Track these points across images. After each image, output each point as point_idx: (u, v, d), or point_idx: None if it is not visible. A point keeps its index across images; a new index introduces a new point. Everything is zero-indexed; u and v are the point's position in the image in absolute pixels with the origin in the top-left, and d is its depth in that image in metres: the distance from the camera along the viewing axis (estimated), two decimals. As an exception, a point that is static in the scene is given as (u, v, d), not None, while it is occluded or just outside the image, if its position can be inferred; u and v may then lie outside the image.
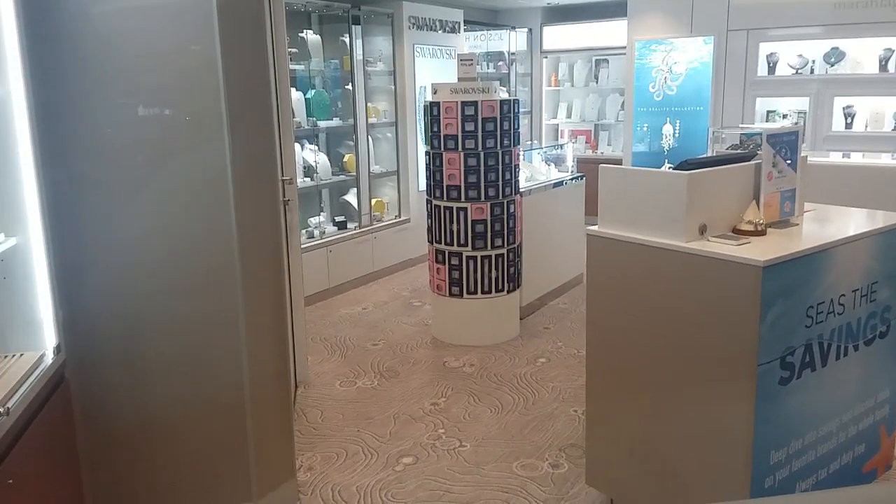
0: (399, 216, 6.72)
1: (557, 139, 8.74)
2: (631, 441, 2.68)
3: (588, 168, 5.82)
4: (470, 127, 4.41)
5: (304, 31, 5.86)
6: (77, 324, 2.52)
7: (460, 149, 4.43)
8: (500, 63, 8.30)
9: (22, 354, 2.32)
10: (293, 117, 5.42)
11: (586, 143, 8.56)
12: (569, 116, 8.78)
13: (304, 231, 5.69)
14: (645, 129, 7.10)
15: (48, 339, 2.41)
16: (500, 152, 4.47)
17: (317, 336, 4.89)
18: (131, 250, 2.56)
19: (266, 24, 2.75)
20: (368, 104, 6.34)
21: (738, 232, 2.50)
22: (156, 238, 2.56)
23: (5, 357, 2.29)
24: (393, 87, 6.60)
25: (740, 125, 5.54)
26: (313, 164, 5.82)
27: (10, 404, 1.99)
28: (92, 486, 2.64)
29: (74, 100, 2.43)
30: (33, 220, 2.33)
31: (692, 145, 6.74)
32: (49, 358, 2.36)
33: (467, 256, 4.54)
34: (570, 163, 6.12)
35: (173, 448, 2.68)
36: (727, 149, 3.69)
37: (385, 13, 6.45)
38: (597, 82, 8.54)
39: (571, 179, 5.77)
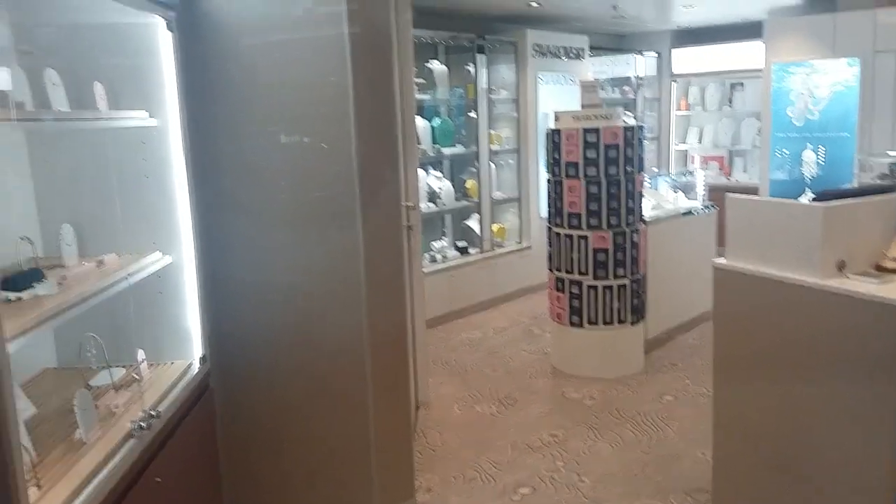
0: (520, 242, 6.74)
1: (687, 165, 8.43)
2: (761, 489, 2.52)
3: (721, 196, 5.58)
4: (591, 154, 4.37)
5: (431, 61, 6.07)
6: (220, 335, 2.73)
7: (581, 176, 4.40)
8: (627, 88, 8.17)
9: (173, 363, 2.56)
10: (418, 144, 5.61)
11: (719, 169, 8.20)
12: (700, 142, 8.46)
13: (426, 255, 5.84)
14: (784, 155, 6.70)
15: (196, 349, 2.64)
16: (622, 180, 4.39)
17: (437, 359, 4.98)
18: (268, 268, 2.75)
19: (394, 56, 2.88)
20: (491, 131, 6.44)
21: (880, 269, 2.31)
22: (290, 257, 2.74)
23: (160, 365, 2.53)
24: (516, 114, 6.68)
25: (889, 153, 5.09)
26: (437, 189, 5.97)
27: (160, 408, 2.19)
28: (230, 487, 2.83)
29: (222, 126, 2.65)
30: (186, 239, 2.58)
31: (837, 173, 6.28)
32: (196, 367, 2.58)
33: (588, 286, 4.47)
34: (700, 190, 5.89)
35: (303, 458, 2.82)
36: (875, 178, 3.43)
37: (510, 42, 6.56)
38: (731, 106, 8.19)
39: (702, 208, 5.55)
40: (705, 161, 8.32)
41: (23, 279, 1.80)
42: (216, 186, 2.68)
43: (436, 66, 6.07)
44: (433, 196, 5.97)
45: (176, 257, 2.56)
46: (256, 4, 2.58)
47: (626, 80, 8.20)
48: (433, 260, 5.91)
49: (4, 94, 1.76)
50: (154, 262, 2.43)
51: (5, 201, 2.29)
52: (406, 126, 4.00)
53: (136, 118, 2.35)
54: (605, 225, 4.40)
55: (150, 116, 2.42)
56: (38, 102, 1.98)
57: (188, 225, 2.56)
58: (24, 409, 1.97)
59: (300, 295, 2.76)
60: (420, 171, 5.75)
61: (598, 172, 4.37)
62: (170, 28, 2.42)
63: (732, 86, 8.16)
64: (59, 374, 2.39)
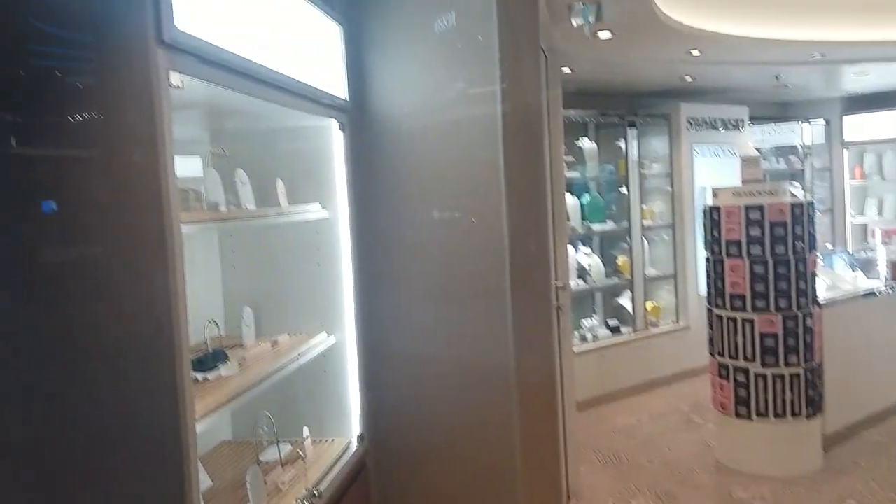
0: (677, 322, 6.42)
1: (867, 240, 7.70)
2: None
3: (907, 274, 5.01)
4: (755, 232, 4.12)
5: (581, 139, 6.11)
6: (377, 414, 2.82)
7: (745, 255, 4.15)
8: (793, 157, 7.70)
9: (333, 440, 2.67)
10: (568, 221, 5.60)
11: (903, 243, 7.41)
12: (880, 213, 7.73)
13: (575, 334, 5.72)
14: (985, 227, 5.94)
15: (354, 427, 2.73)
16: (792, 259, 4.08)
17: (588, 445, 4.79)
18: (422, 346, 2.82)
19: (544, 134, 2.93)
20: (643, 206, 6.30)
21: None
22: (443, 335, 2.79)
23: (322, 442, 2.65)
24: (670, 188, 6.49)
25: None
26: (586, 266, 5.89)
27: (321, 487, 2.28)
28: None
29: (383, 208, 2.79)
30: (349, 319, 2.72)
31: None
32: (354, 445, 2.67)
33: (756, 374, 4.14)
34: (883, 268, 5.33)
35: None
36: None
37: (662, 115, 6.46)
38: (914, 174, 7.45)
39: (886, 288, 5.01)
40: (888, 235, 7.55)
41: (209, 360, 1.97)
42: (376, 266, 2.82)
43: (585, 143, 6.09)
44: (583, 273, 5.88)
45: (339, 337, 2.71)
46: (415, 92, 2.74)
47: (792, 150, 7.73)
48: (583, 339, 5.77)
49: (198, 193, 2.00)
50: (321, 342, 2.58)
51: (199, 287, 2.56)
52: (556, 203, 4.02)
53: (311, 211, 2.56)
54: (773, 308, 4.09)
55: (322, 208, 2.63)
56: (230, 199, 2.22)
57: (351, 306, 2.71)
58: (203, 481, 2.13)
59: (452, 371, 2.79)
60: (569, 248, 5.73)
61: (764, 251, 4.10)
62: (341, 128, 2.64)
63: (916, 152, 7.45)
64: (234, 447, 2.57)
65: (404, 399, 2.84)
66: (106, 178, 1.51)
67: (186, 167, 2.35)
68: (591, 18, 3.69)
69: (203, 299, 2.55)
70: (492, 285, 2.71)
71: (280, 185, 2.45)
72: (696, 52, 5.06)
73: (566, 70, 5.18)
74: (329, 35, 2.56)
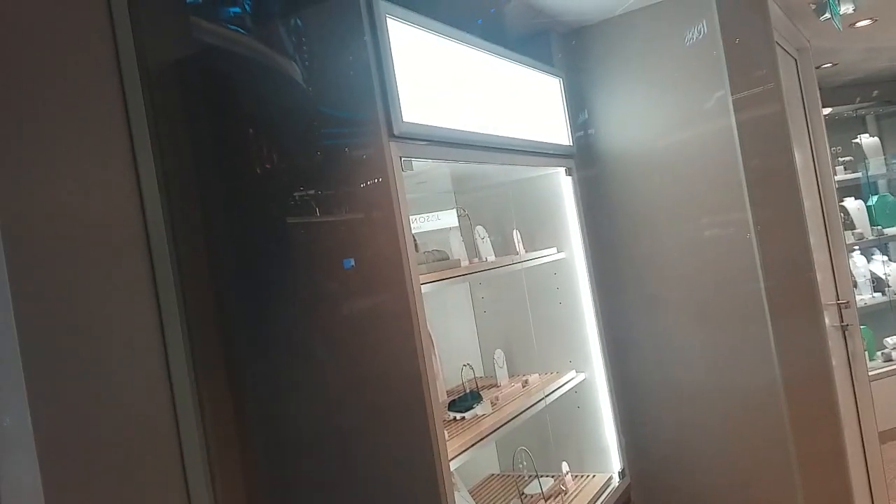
0: None
1: None
2: None
3: None
4: None
5: (858, 135, 5.42)
6: (638, 450, 2.82)
7: None
8: None
9: (594, 476, 2.73)
10: (853, 229, 4.98)
11: None
12: None
13: (879, 353, 5.00)
14: None
15: (615, 462, 2.77)
16: None
17: (905, 481, 4.13)
18: (680, 379, 2.78)
19: (789, 139, 2.74)
20: (954, 199, 5.33)
21: None
22: (703, 361, 2.72)
23: (582, 476, 2.73)
24: None
25: None
26: (883, 276, 5.13)
27: (583, 520, 2.36)
28: None
29: (618, 239, 2.87)
30: (596, 355, 2.79)
31: None
32: (615, 481, 2.71)
33: None
34: None
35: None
36: None
37: (966, 90, 5.45)
38: None
39: None
40: None
41: (464, 401, 2.21)
42: (617, 299, 2.87)
43: (864, 139, 5.39)
44: (879, 284, 5.14)
45: (589, 374, 2.79)
46: (641, 124, 2.82)
47: None
48: (888, 359, 5.00)
49: (446, 254, 2.27)
50: (570, 379, 2.69)
51: (455, 332, 2.85)
52: (828, 211, 3.65)
53: (547, 255, 2.72)
54: None
55: (559, 251, 2.77)
56: (471, 253, 2.48)
57: (597, 341, 2.78)
58: (473, 510, 2.35)
59: (712, 408, 2.71)
60: (860, 258, 5.08)
61: None
62: (568, 173, 2.77)
63: None
64: (501, 479, 2.77)
65: (665, 434, 2.82)
66: (368, 245, 1.82)
67: (444, 221, 2.70)
68: (840, 10, 3.36)
69: (459, 345, 2.83)
70: (748, 305, 2.60)
71: (516, 235, 2.66)
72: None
73: (827, 65, 4.69)
74: (549, 88, 2.73)
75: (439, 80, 2.02)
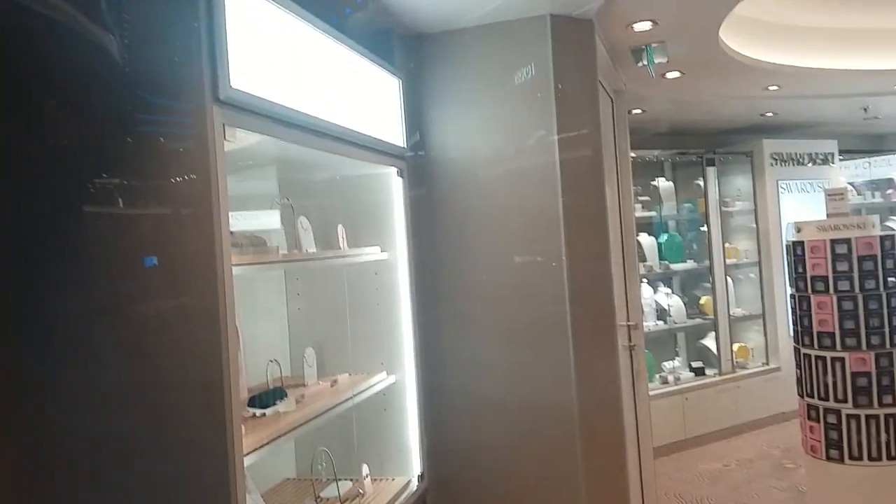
0: (767, 363, 6.10)
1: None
2: None
3: None
4: (843, 267, 3.91)
5: (657, 178, 6.02)
6: (438, 453, 2.84)
7: (832, 291, 3.94)
8: (890, 191, 7.25)
9: (394, 479, 2.71)
10: (643, 262, 5.50)
11: None
12: None
13: (657, 376, 5.55)
14: None
15: (415, 465, 2.77)
16: (883, 294, 3.84)
17: (670, 491, 4.59)
18: (483, 390, 2.85)
19: (602, 178, 2.95)
20: (727, 244, 6.09)
21: None
22: (502, 374, 2.81)
23: (382, 479, 2.70)
24: (755, 226, 6.26)
25: None
26: (666, 307, 5.73)
27: (379, 525, 2.32)
28: None
29: (441, 248, 2.89)
30: (408, 358, 2.78)
31: None
32: (414, 484, 2.70)
33: (848, 415, 3.87)
34: None
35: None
36: None
37: (743, 153, 6.28)
38: None
39: None
40: None
41: (268, 397, 2.08)
42: (434, 307, 2.89)
43: (661, 182, 6.00)
44: (662, 313, 5.72)
45: (400, 376, 2.77)
46: (472, 145, 2.86)
47: (889, 183, 7.30)
48: (664, 382, 5.58)
49: (263, 240, 2.14)
50: (380, 381, 2.65)
51: (265, 328, 2.70)
52: (626, 244, 3.98)
53: (370, 254, 2.67)
54: (864, 345, 3.84)
55: (382, 251, 2.73)
56: (292, 244, 2.37)
57: (411, 345, 2.77)
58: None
59: (509, 414, 2.81)
60: (647, 288, 5.61)
61: (853, 287, 3.88)
62: (400, 175, 2.76)
63: None
64: (297, 484, 2.66)
65: (464, 436, 2.87)
66: (180, 229, 1.65)
67: (264, 221, 2.53)
68: (655, 60, 3.70)
69: (269, 341, 2.69)
70: (552, 325, 2.74)
71: (340, 230, 2.58)
72: (773, 88, 4.92)
73: (637, 111, 5.15)
74: (389, 87, 2.70)
75: (279, 56, 1.91)
